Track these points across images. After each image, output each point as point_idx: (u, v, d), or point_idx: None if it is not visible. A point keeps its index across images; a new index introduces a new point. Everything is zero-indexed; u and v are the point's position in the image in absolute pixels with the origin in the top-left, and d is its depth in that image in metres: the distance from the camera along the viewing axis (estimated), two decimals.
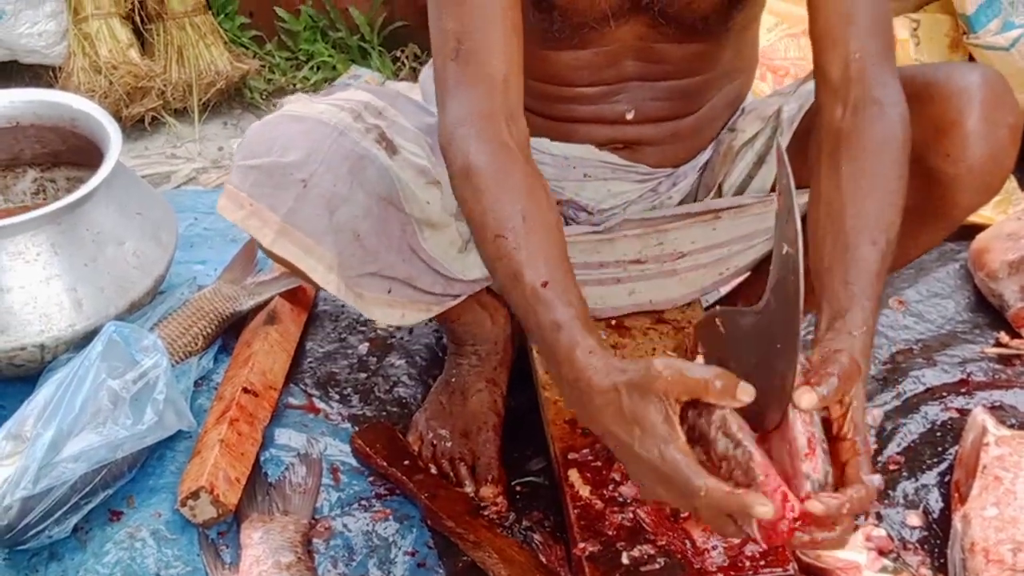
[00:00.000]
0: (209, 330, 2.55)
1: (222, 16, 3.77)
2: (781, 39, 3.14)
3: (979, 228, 2.84)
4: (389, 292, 2.09)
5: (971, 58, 3.17)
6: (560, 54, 2.04)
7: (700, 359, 1.74)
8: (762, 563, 2.01)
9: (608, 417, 1.59)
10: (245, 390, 2.37)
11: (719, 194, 2.26)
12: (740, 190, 2.25)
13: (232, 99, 3.70)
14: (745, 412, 1.68)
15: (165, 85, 3.53)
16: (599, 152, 2.15)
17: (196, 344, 2.52)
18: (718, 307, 2.22)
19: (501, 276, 1.71)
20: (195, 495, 2.17)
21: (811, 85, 2.02)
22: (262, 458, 2.34)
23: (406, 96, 2.20)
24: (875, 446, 2.39)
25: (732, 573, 2.00)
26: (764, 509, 1.47)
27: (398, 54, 3.75)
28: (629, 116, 2.11)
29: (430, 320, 2.57)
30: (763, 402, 1.60)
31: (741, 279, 2.43)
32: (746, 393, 1.54)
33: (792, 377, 1.54)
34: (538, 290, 1.65)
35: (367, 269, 2.04)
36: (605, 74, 2.07)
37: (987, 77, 1.99)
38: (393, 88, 2.23)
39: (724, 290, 2.52)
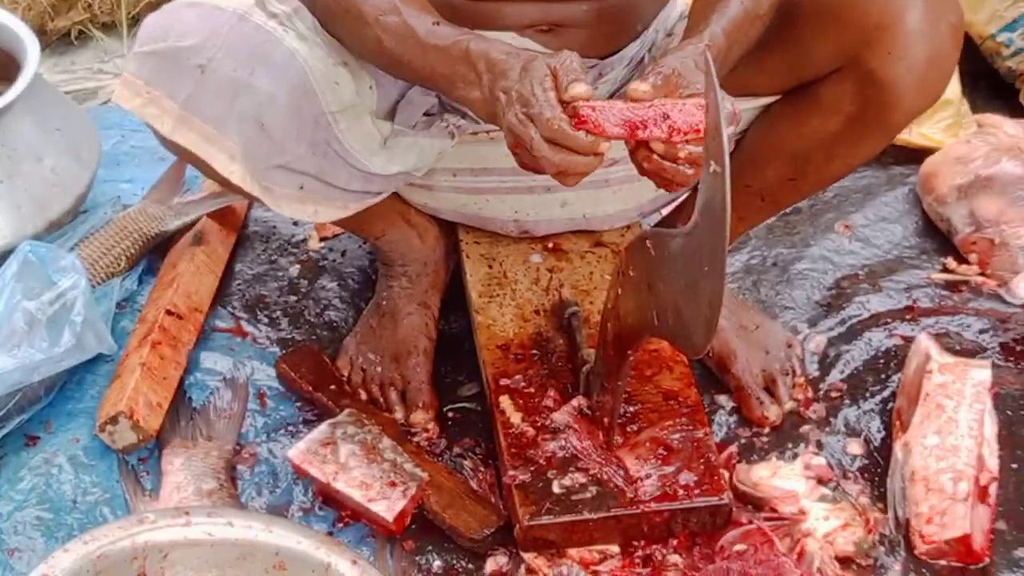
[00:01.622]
0: (133, 250, 2.47)
1: None
2: None
3: (928, 152, 2.79)
4: (301, 188, 2.00)
5: None
6: None
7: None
8: (696, 492, 1.99)
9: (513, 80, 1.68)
10: (169, 312, 2.31)
11: None
12: None
13: None
14: (672, 334, 1.64)
15: None
16: (520, 39, 2.07)
17: (119, 265, 2.45)
18: (649, 228, 2.17)
19: (391, 46, 1.81)
20: (114, 420, 2.12)
21: None
22: (186, 382, 2.29)
23: None
24: (817, 373, 2.36)
25: (665, 503, 1.97)
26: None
27: None
28: None
29: (363, 242, 2.53)
30: (691, 324, 1.56)
31: (681, 200, 2.36)
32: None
33: (718, 300, 1.49)
34: (432, 29, 1.78)
35: (275, 161, 1.96)
36: None
37: None
38: None
39: (665, 211, 2.46)
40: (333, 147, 1.99)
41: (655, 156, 1.61)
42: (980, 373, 2.18)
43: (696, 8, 1.85)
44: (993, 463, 2.09)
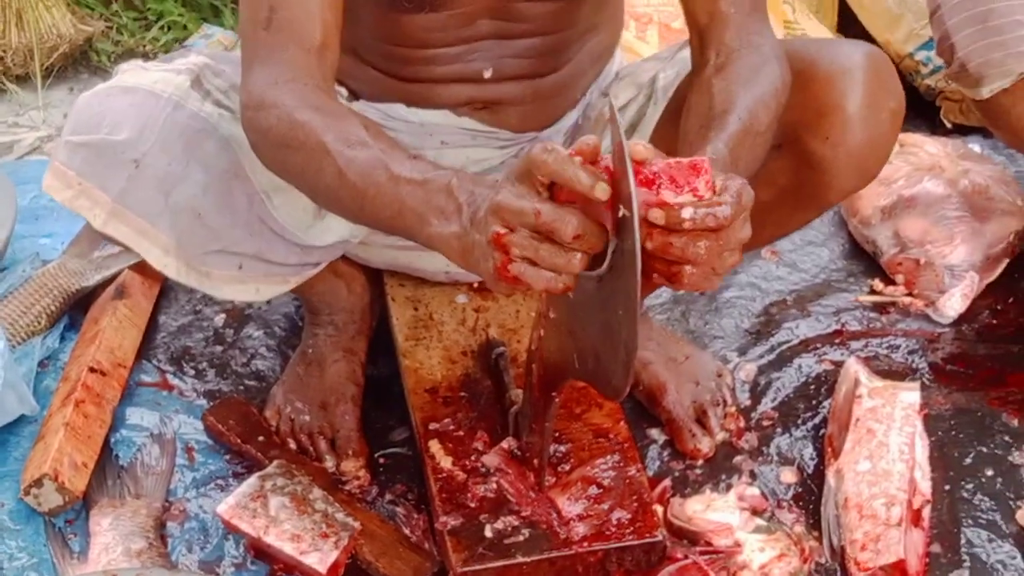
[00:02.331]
0: (53, 307, 2.45)
1: None
2: None
3: None
4: (240, 268, 2.00)
5: (842, 2, 3.14)
6: (412, 17, 1.96)
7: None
8: (630, 530, 1.98)
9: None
10: (92, 369, 2.28)
11: None
12: None
13: (78, 63, 3.55)
14: (592, 377, 1.63)
15: (4, 50, 3.39)
16: (457, 118, 2.07)
17: (40, 323, 2.43)
18: None
19: (356, 180, 1.61)
20: (38, 483, 2.08)
21: (688, 51, 1.95)
22: (112, 440, 2.26)
23: None
24: (748, 402, 2.36)
25: (598, 543, 1.96)
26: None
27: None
28: (487, 75, 2.03)
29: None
30: (609, 368, 1.55)
31: None
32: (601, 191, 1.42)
33: (634, 344, 1.48)
34: (408, 163, 1.59)
35: (212, 247, 1.96)
36: (460, 34, 1.99)
37: (871, 58, 1.95)
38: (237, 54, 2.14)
39: None
40: (268, 224, 1.98)
41: (656, 232, 1.45)
42: (909, 396, 2.19)
43: (687, 128, 1.78)
44: (926, 486, 2.10)
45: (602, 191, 1.41)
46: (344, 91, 2.10)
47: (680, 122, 1.84)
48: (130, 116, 1.92)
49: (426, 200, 1.56)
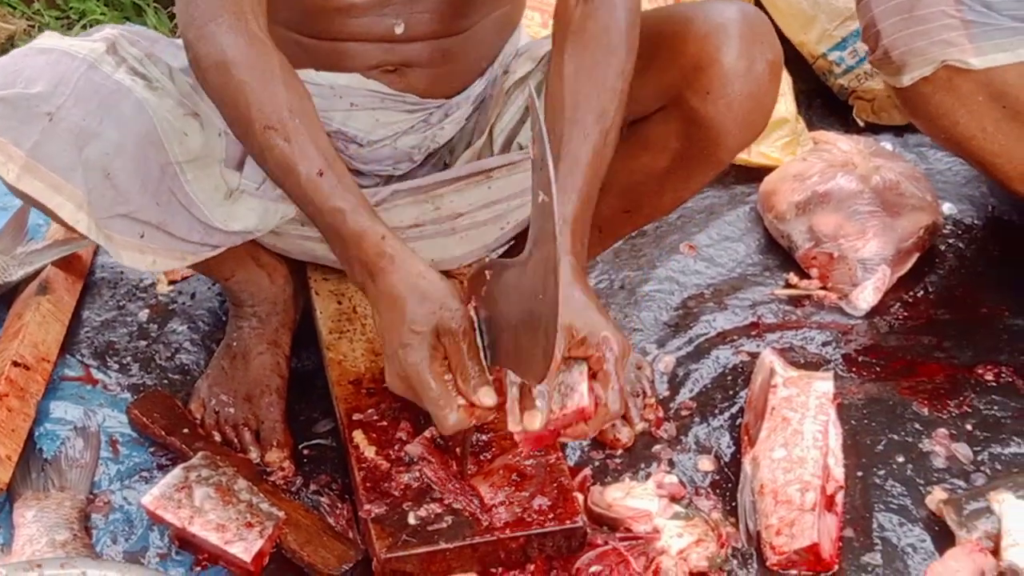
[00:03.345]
0: None
1: None
2: None
3: (767, 170, 2.86)
4: (142, 237, 2.00)
5: (757, 1, 3.18)
6: None
7: (472, 311, 1.72)
8: (550, 516, 2.00)
9: (389, 312, 1.72)
10: (15, 363, 2.28)
11: (490, 136, 2.23)
12: (512, 133, 2.22)
13: None
14: (514, 362, 1.66)
15: None
16: (366, 80, 2.09)
17: None
18: (488, 258, 2.19)
19: (272, 167, 1.78)
20: None
21: None
22: (36, 433, 2.26)
23: (168, 39, 2.12)
24: (667, 393, 2.39)
25: (520, 529, 1.98)
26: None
27: (175, 11, 3.62)
28: (398, 31, 2.05)
29: (213, 283, 2.51)
30: (530, 352, 1.58)
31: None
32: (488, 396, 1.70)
33: (554, 328, 1.51)
34: (314, 179, 1.73)
35: (117, 211, 1.96)
36: None
37: (745, 12, 1.99)
38: (151, 31, 2.15)
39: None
40: (178, 197, 1.99)
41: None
42: (823, 385, 2.22)
43: (551, 129, 1.85)
44: (839, 472, 2.14)
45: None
46: None
47: (545, 96, 1.93)
48: (45, 72, 1.93)
49: (321, 222, 1.77)
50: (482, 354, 1.71)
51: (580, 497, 2.09)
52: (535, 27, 2.95)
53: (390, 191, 2.19)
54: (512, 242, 2.36)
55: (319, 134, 1.78)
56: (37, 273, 2.52)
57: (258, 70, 1.76)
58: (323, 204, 1.74)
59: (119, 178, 1.93)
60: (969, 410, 2.33)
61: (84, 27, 3.60)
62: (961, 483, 2.19)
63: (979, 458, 2.24)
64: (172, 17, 3.62)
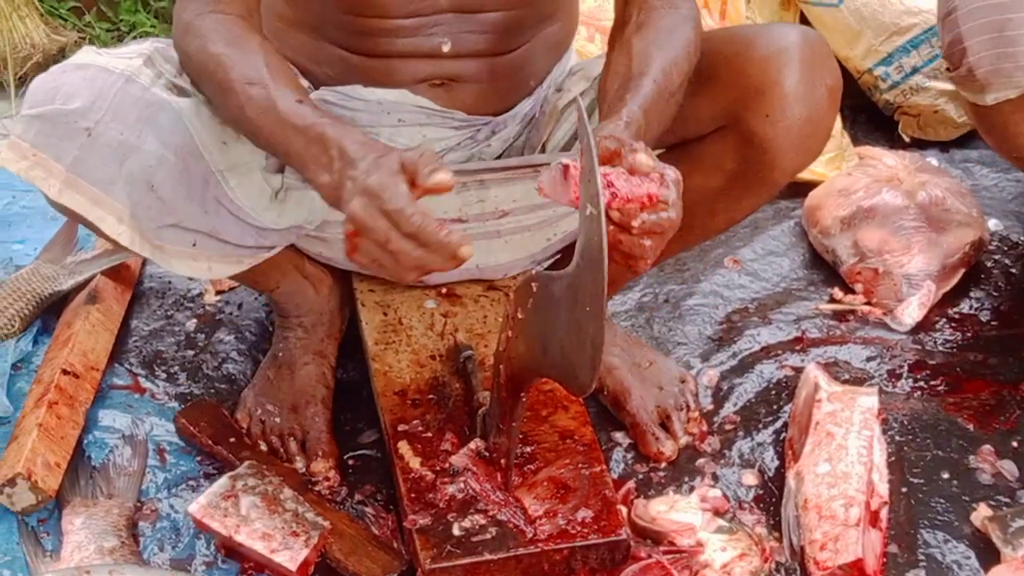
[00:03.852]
0: (27, 311, 2.47)
1: None
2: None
3: (812, 185, 2.85)
4: (194, 245, 2.02)
5: (802, 16, 3.19)
6: None
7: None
8: (595, 528, 2.01)
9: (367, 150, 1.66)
10: (64, 372, 2.30)
11: (543, 153, 2.24)
12: (565, 150, 2.21)
13: None
14: (560, 374, 1.67)
15: None
16: (413, 97, 2.10)
17: (13, 326, 2.44)
18: (535, 270, 2.20)
19: (253, 115, 1.78)
20: (12, 482, 2.10)
21: None
22: (85, 441, 2.28)
23: None
24: (711, 407, 2.39)
25: (563, 541, 1.99)
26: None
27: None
28: (445, 48, 2.06)
29: (259, 294, 2.53)
30: (576, 365, 1.59)
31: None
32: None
33: (600, 340, 1.52)
34: (294, 106, 1.74)
35: (166, 221, 1.98)
36: (419, 4, 2.02)
37: (806, 37, 1.99)
38: None
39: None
40: (224, 204, 2.00)
41: (611, 227, 1.60)
42: (868, 400, 2.22)
43: (607, 89, 1.87)
44: (883, 488, 2.13)
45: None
46: (304, 82, 2.13)
47: (601, 79, 1.92)
48: (83, 88, 1.94)
49: (305, 147, 1.73)
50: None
51: (624, 510, 2.10)
52: (581, 41, 2.96)
53: None
54: (558, 255, 2.36)
55: (296, 83, 1.83)
56: (87, 283, 2.54)
57: (238, 43, 1.82)
58: (305, 122, 1.73)
59: (163, 189, 1.95)
60: (1015, 427, 2.32)
61: (134, 39, 3.63)
62: (1007, 500, 2.17)
63: None
64: None
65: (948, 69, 2.42)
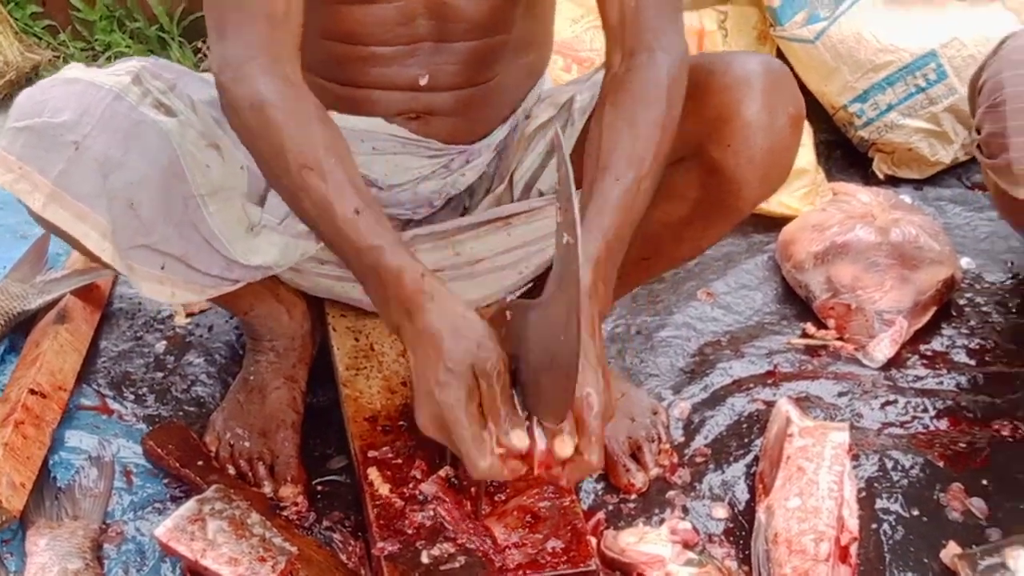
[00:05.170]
0: None
1: (12, 4, 3.63)
2: (587, 30, 3.12)
3: (786, 219, 2.86)
4: (162, 268, 2.01)
5: (779, 51, 3.20)
6: (352, 8, 2.00)
7: None
8: (564, 559, 1.99)
9: (425, 350, 1.65)
10: (32, 391, 2.29)
11: (510, 182, 2.24)
12: (532, 179, 2.23)
13: None
14: (533, 403, 1.66)
15: None
16: (388, 125, 2.10)
17: None
18: (509, 299, 2.19)
19: (308, 207, 1.72)
20: None
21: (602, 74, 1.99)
22: (51, 461, 2.27)
23: (193, 72, 2.13)
24: (682, 439, 2.39)
25: (533, 571, 1.97)
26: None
27: (199, 44, 3.65)
28: (423, 81, 2.06)
29: (230, 317, 2.52)
30: (550, 393, 1.58)
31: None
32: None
33: (575, 370, 1.51)
34: (351, 218, 1.69)
35: (139, 241, 1.97)
36: (399, 32, 2.02)
37: (768, 66, 1.99)
38: (175, 64, 2.17)
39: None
40: (200, 229, 2.00)
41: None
42: (839, 436, 2.22)
43: (585, 173, 1.84)
44: (853, 523, 2.13)
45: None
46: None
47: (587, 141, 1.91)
48: (71, 102, 1.94)
49: (359, 268, 1.72)
50: (516, 399, 1.68)
51: (593, 541, 2.08)
52: (557, 71, 2.97)
53: (410, 235, 2.20)
54: (531, 284, 2.36)
55: (355, 174, 1.74)
56: (56, 302, 2.53)
57: (294, 112, 1.74)
58: (361, 242, 1.68)
59: (143, 209, 1.94)
60: (985, 465, 2.32)
61: (109, 59, 3.63)
62: (976, 538, 2.17)
63: (995, 514, 2.22)
64: (196, 51, 3.65)
65: (979, 148, 2.41)
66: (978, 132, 2.39)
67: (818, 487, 2.13)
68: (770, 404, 2.41)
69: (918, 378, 2.54)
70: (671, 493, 2.26)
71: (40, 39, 3.70)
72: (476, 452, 1.61)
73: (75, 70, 2.02)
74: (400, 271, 1.66)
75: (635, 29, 1.86)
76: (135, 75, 2.00)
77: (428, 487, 2.07)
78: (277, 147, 1.72)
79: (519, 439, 1.62)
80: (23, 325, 2.52)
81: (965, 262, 2.84)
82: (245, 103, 1.75)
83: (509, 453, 1.63)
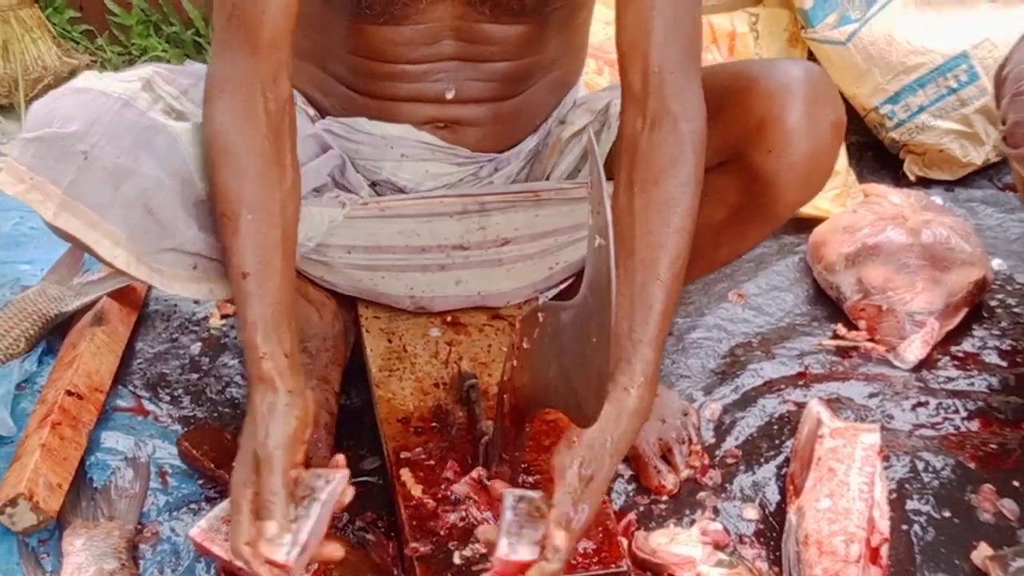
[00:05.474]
0: (32, 331, 2.48)
1: (50, 10, 3.67)
2: None
3: (817, 221, 2.87)
4: (195, 268, 2.04)
5: (810, 53, 3.20)
6: (378, 28, 2.02)
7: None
8: (595, 560, 1.99)
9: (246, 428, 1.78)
10: (69, 393, 2.31)
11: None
12: (570, 179, 2.23)
13: None
14: (565, 405, 1.67)
15: None
16: (417, 132, 2.12)
17: (18, 346, 2.45)
18: (542, 301, 2.20)
19: (222, 253, 1.86)
20: (13, 502, 2.09)
21: None
22: (87, 462, 2.28)
23: None
24: (713, 440, 2.39)
25: (564, 571, 1.97)
26: None
27: None
28: (449, 96, 2.08)
29: None
30: (582, 395, 1.59)
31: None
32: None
33: (607, 371, 1.52)
34: (239, 281, 1.80)
35: (166, 244, 1.99)
36: (424, 52, 2.04)
37: (809, 73, 1.99)
38: (191, 67, 2.18)
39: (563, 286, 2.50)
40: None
41: None
42: (870, 437, 2.22)
43: (618, 259, 1.75)
44: (884, 525, 2.13)
45: None
46: (311, 111, 2.14)
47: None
48: (80, 111, 1.95)
49: (240, 334, 1.82)
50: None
51: (624, 542, 2.09)
52: (590, 74, 2.97)
53: (439, 198, 2.22)
54: (563, 285, 2.37)
55: (269, 231, 1.83)
56: (92, 304, 2.56)
57: (234, 154, 1.83)
58: (239, 305, 1.81)
59: (162, 213, 1.96)
60: (1016, 466, 2.31)
61: (145, 63, 3.65)
62: (1007, 540, 2.17)
63: None
64: None
65: (1004, 140, 2.40)
66: (1003, 124, 2.39)
67: (849, 488, 2.13)
68: (801, 405, 2.42)
69: (949, 379, 2.54)
70: (702, 494, 2.27)
71: (78, 44, 3.73)
72: (236, 537, 1.73)
73: (86, 79, 2.04)
74: (252, 347, 1.78)
75: (658, 97, 1.85)
76: (146, 81, 2.01)
77: (460, 488, 2.07)
78: (213, 180, 1.86)
79: (269, 529, 1.71)
80: (60, 327, 2.54)
81: (996, 263, 2.84)
82: (208, 127, 1.86)
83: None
